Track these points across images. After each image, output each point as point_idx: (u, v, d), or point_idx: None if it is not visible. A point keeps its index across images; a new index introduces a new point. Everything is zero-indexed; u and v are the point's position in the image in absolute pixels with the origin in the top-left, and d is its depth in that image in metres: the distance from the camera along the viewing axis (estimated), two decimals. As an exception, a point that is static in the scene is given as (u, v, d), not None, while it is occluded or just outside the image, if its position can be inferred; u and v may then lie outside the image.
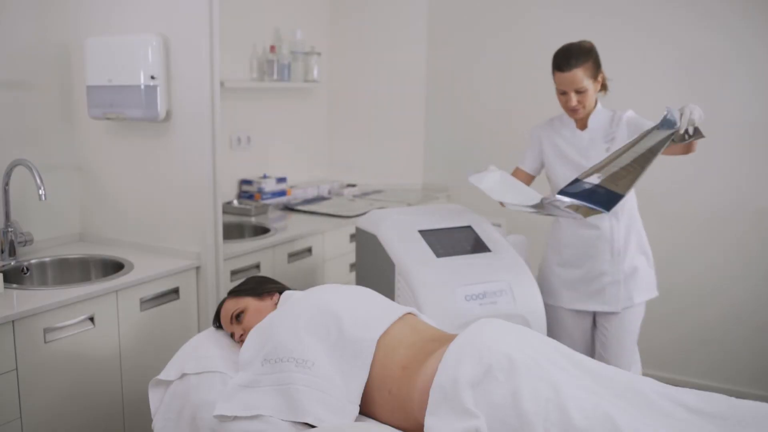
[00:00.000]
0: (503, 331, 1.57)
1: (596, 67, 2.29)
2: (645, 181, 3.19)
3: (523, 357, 1.46)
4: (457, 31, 3.73)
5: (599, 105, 2.39)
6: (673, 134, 1.91)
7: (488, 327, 1.58)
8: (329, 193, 3.84)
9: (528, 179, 2.55)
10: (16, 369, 1.89)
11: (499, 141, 3.61)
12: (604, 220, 2.36)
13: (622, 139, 2.30)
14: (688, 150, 2.11)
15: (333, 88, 4.08)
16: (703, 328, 3.28)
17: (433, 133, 3.91)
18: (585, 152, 2.38)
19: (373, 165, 4.04)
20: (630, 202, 2.40)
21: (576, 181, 2.05)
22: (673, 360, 3.33)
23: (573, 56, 2.24)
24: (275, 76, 3.48)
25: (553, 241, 2.51)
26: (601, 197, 1.96)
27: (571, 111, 2.32)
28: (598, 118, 2.37)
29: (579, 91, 2.27)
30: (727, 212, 3.19)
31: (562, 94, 2.30)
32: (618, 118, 2.34)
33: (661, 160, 2.22)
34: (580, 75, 2.25)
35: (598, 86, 2.33)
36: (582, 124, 2.41)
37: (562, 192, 2.06)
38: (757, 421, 1.41)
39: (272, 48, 3.48)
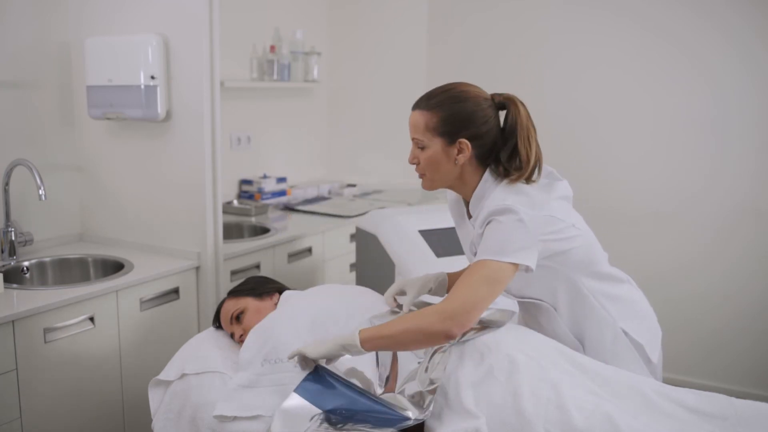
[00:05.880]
0: (504, 332, 1.56)
1: (455, 127, 1.54)
2: (653, 191, 3.22)
3: (524, 357, 1.46)
4: (457, 32, 3.72)
5: (485, 190, 1.58)
6: None
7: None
8: (329, 193, 3.84)
9: None
10: (16, 369, 1.89)
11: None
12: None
13: None
14: None
15: (333, 88, 4.08)
16: (712, 332, 3.24)
17: (433, 133, 3.90)
18: (471, 258, 1.68)
19: (373, 165, 4.04)
20: (577, 293, 1.64)
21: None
22: (680, 364, 3.31)
23: (430, 95, 1.58)
24: (275, 76, 3.48)
25: None
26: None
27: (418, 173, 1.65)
28: (477, 211, 1.59)
29: (418, 145, 1.60)
30: (732, 218, 3.14)
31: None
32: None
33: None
34: (420, 121, 1.57)
35: (451, 156, 1.57)
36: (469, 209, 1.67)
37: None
38: (757, 421, 1.41)
39: (272, 48, 3.48)
